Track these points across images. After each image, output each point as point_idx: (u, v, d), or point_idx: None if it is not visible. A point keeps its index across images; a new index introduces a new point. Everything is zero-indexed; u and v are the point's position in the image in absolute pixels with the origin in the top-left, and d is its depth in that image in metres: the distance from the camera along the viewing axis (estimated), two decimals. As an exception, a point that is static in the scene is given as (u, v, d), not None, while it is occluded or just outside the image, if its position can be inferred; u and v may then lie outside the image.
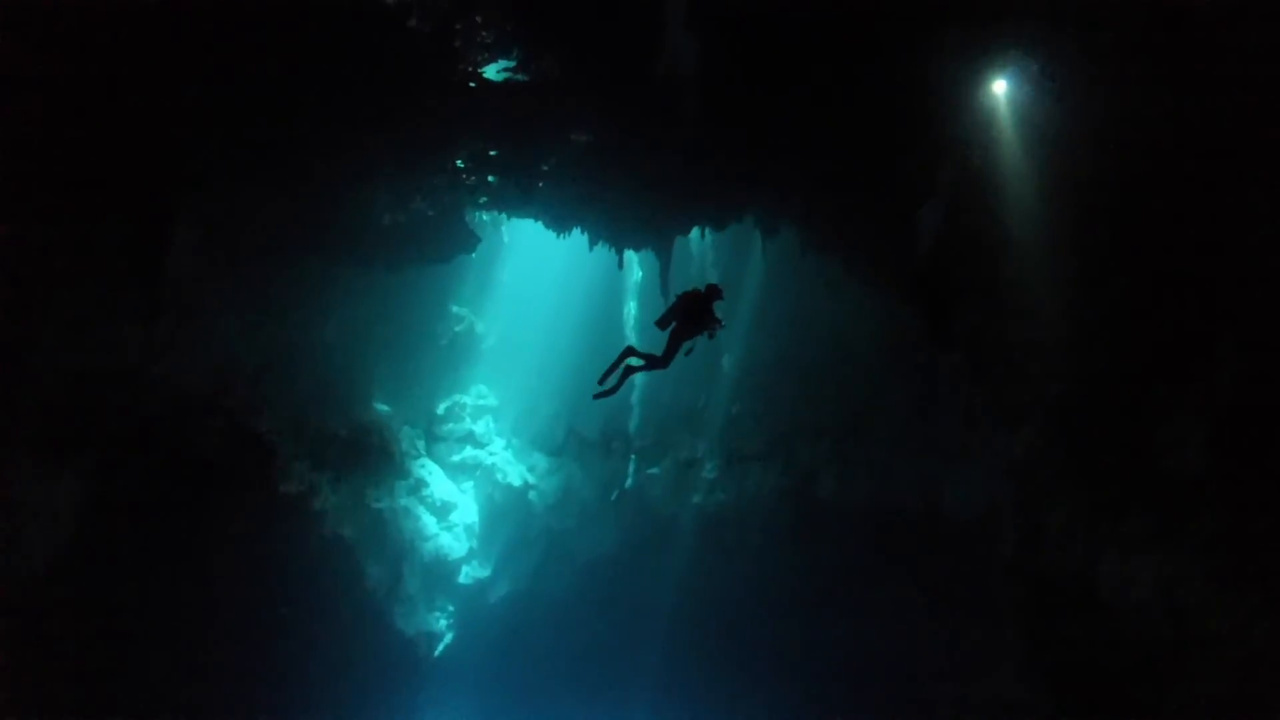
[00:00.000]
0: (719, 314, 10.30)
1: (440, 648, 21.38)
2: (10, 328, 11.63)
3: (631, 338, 25.91)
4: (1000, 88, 12.27)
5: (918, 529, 18.46)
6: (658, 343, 11.25)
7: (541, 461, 24.07)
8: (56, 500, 12.82)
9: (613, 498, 23.72)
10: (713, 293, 10.29)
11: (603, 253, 19.24)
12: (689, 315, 10.23)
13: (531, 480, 23.70)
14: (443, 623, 21.68)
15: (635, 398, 24.06)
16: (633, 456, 23.91)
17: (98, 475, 13.51)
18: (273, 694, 16.51)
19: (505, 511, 23.31)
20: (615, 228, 18.00)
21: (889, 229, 13.67)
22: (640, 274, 25.18)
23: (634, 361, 10.85)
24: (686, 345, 10.47)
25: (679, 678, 21.26)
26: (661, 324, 10.47)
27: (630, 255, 20.45)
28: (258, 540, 16.74)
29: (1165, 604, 11.65)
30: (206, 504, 15.72)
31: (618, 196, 16.20)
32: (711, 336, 10.38)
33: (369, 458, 20.28)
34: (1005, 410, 14.47)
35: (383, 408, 21.83)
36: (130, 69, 11.01)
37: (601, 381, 10.76)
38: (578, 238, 18.86)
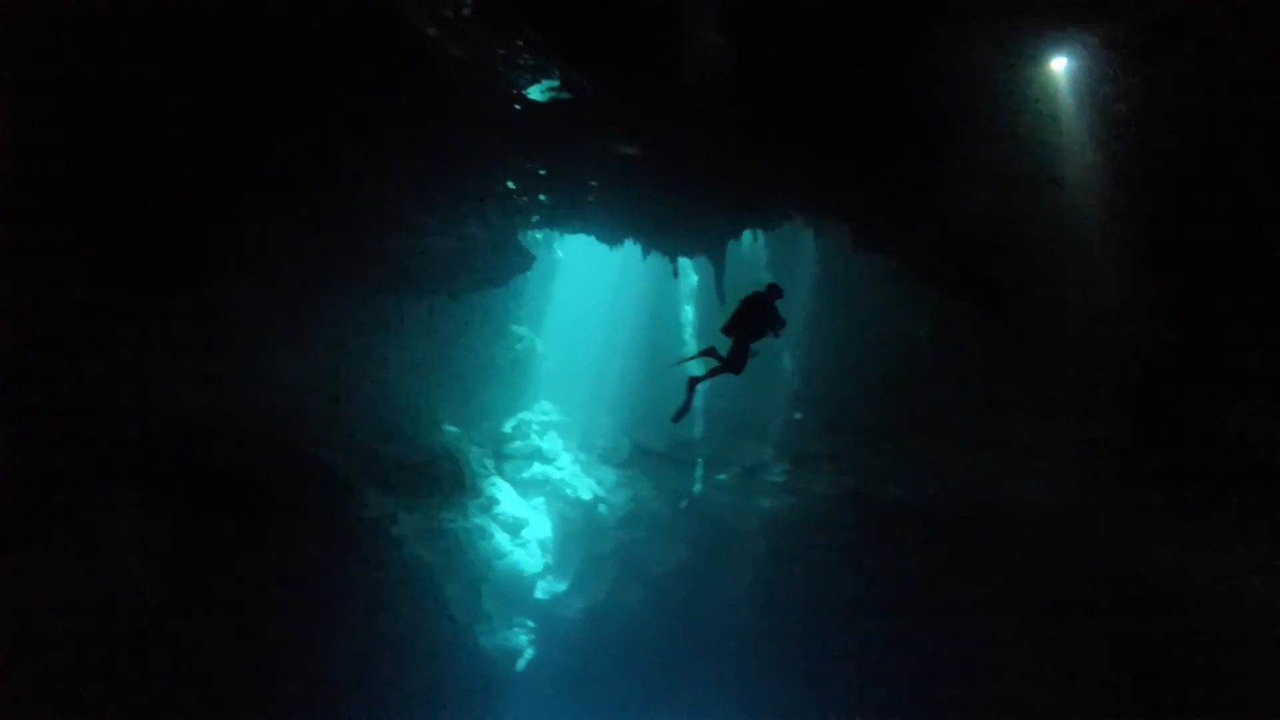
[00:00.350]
0: (780, 313, 10.47)
1: (521, 663, 21.62)
2: (95, 376, 12.23)
3: (690, 342, 25.93)
4: (1059, 65, 11.80)
5: (986, 527, 17.92)
6: (717, 346, 11.43)
7: (609, 475, 24.24)
8: (150, 538, 13.44)
9: (682, 506, 23.72)
10: (774, 292, 10.51)
11: (655, 262, 19.35)
12: (753, 317, 10.35)
13: (601, 493, 23.86)
14: (523, 638, 21.94)
15: (698, 406, 24.06)
16: (699, 465, 23.89)
17: (187, 513, 14.12)
18: (365, 717, 16.91)
19: (577, 526, 23.53)
20: (667, 236, 18.09)
21: (939, 220, 13.36)
22: (695, 279, 25.24)
23: (697, 372, 11.09)
24: (754, 347, 10.65)
25: (755, 687, 21.07)
26: (728, 329, 10.63)
27: (684, 261, 20.53)
28: (341, 568, 17.19)
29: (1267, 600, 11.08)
30: (288, 535, 16.21)
31: (667, 205, 16.27)
32: (777, 335, 10.59)
33: (441, 480, 20.69)
34: (1072, 401, 13.97)
35: (451, 430, 22.27)
36: (185, 118, 11.50)
37: (676, 420, 11.46)
38: (630, 248, 19.03)
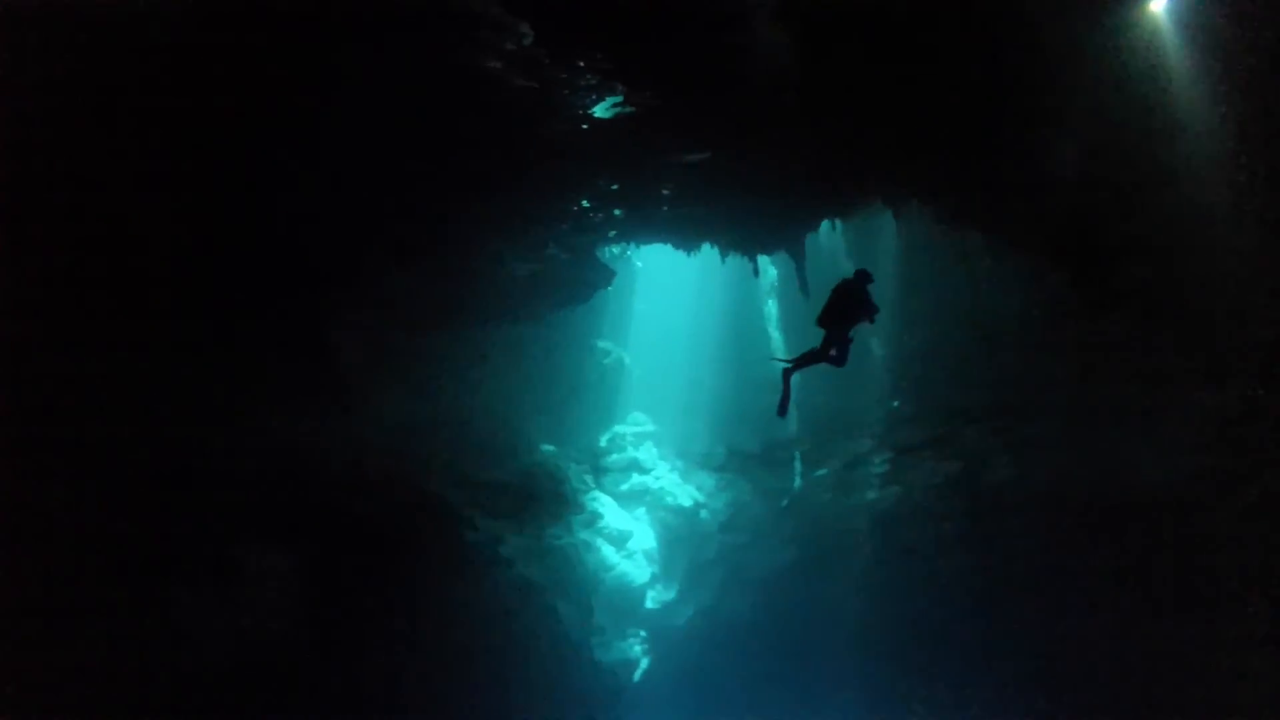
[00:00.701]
0: (872, 298, 10.39)
1: (638, 673, 21.76)
2: (222, 422, 13.06)
3: (775, 336, 25.70)
4: (1159, 4, 10.65)
5: (1107, 507, 17.00)
6: (805, 338, 11.37)
7: (708, 480, 24.22)
8: (282, 576, 14.25)
9: (783, 505, 23.48)
10: (863, 277, 10.43)
11: (734, 262, 19.29)
12: (846, 305, 10.27)
13: (701, 499, 23.86)
14: (637, 649, 22.09)
15: (791, 403, 23.78)
16: (797, 463, 23.62)
17: (311, 552, 14.91)
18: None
19: (680, 533, 23.59)
20: (744, 236, 18.02)
21: (1032, 188, 12.78)
22: (775, 271, 25.03)
23: (786, 364, 11.07)
24: (850, 334, 10.59)
25: (872, 683, 20.62)
26: (823, 321, 10.55)
27: (762, 257, 20.38)
28: (453, 592, 17.69)
29: None
30: (405, 565, 16.81)
31: (742, 205, 16.22)
32: (871, 321, 10.48)
33: (543, 499, 21.09)
34: (1202, 366, 13.11)
35: (548, 449, 22.67)
36: (290, 177, 12.15)
37: (781, 414, 11.66)
38: (708, 252, 19.04)
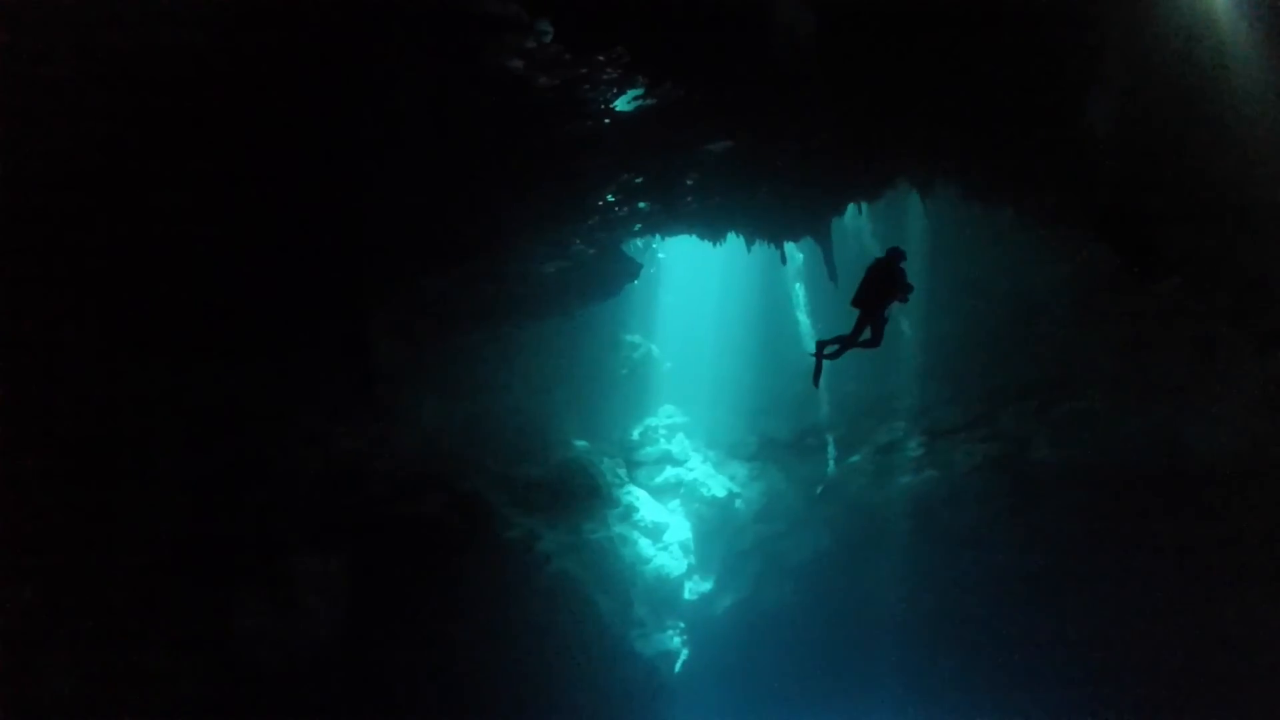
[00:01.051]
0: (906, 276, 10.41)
1: (679, 664, 21.82)
2: (273, 430, 13.38)
3: (804, 321, 25.57)
4: None
5: (1156, 481, 16.63)
6: (833, 322, 11.37)
7: (741, 470, 24.18)
8: (331, 580, 14.57)
9: (817, 492, 23.39)
10: (895, 255, 10.43)
11: (759, 251, 19.21)
12: (880, 285, 10.24)
13: (735, 489, 23.82)
14: (676, 640, 22.13)
15: (821, 391, 23.66)
16: (830, 449, 23.50)
17: (356, 556, 15.23)
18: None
19: (715, 524, 23.58)
20: (770, 223, 17.92)
21: (1069, 160, 12.48)
22: (801, 256, 24.90)
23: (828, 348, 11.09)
24: (886, 314, 10.60)
25: (915, 669, 20.43)
26: (858, 301, 10.55)
27: (789, 243, 20.24)
28: (492, 588, 17.86)
29: None
30: (444, 564, 17.01)
31: (767, 193, 16.14)
32: (904, 300, 10.48)
33: (578, 493, 21.18)
34: (1255, 334, 12.77)
35: (581, 444, 22.75)
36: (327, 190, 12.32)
37: (816, 383, 11.68)
38: (732, 240, 18.97)
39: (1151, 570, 16.38)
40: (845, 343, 10.88)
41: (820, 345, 11.21)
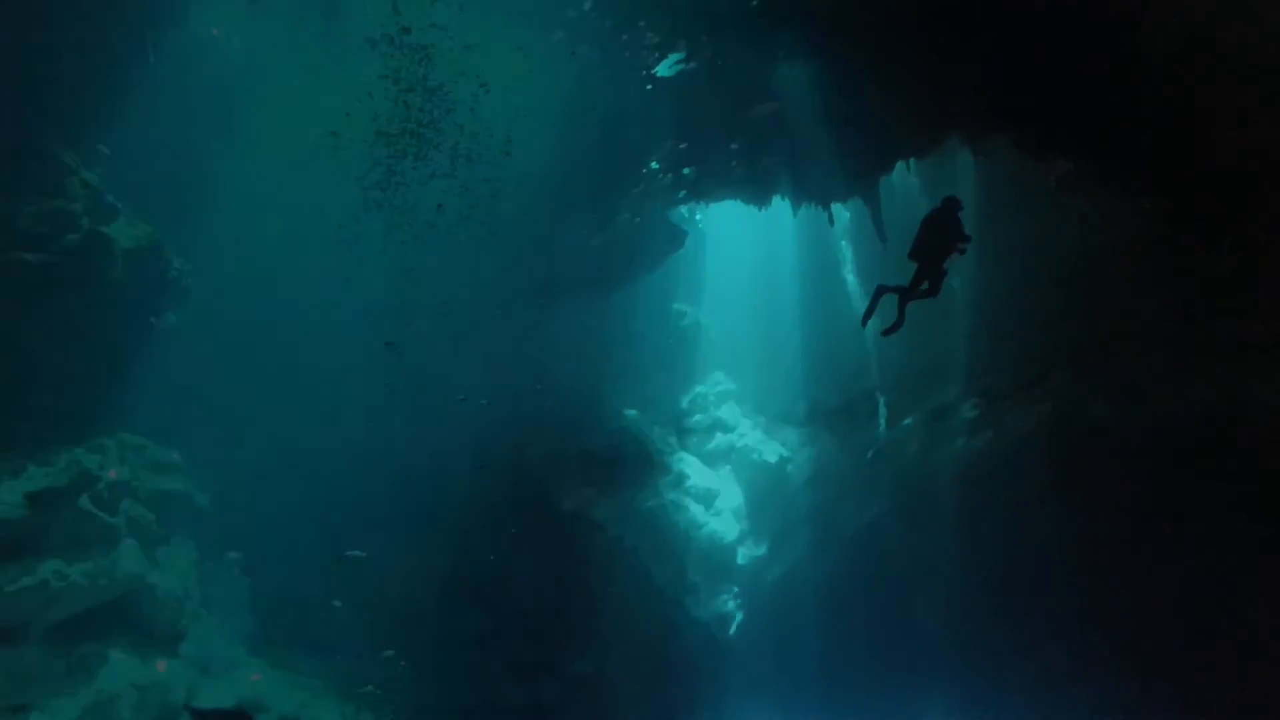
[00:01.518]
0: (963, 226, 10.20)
1: (733, 627, 22.04)
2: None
3: (850, 280, 25.19)
4: None
5: (1220, 445, 15.95)
6: (886, 279, 11.23)
7: (792, 435, 24.12)
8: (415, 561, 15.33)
9: (868, 457, 23.21)
10: (951, 204, 10.20)
11: (805, 213, 18.95)
12: (936, 235, 10.11)
13: (786, 454, 23.80)
14: (730, 604, 22.33)
15: (871, 354, 23.40)
16: (882, 413, 23.25)
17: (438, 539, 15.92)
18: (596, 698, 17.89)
19: (766, 490, 23.62)
20: (816, 186, 17.66)
21: (1125, 112, 12.05)
22: (847, 214, 24.47)
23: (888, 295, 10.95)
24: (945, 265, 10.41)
25: (967, 638, 20.17)
26: (914, 254, 10.38)
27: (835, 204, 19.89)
28: (550, 559, 18.26)
29: None
30: (504, 534, 17.45)
31: (812, 154, 15.91)
32: (962, 252, 10.25)
33: (629, 463, 21.39)
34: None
35: (631, 413, 22.92)
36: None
37: (864, 322, 11.43)
38: (777, 205, 18.76)
39: (1219, 539, 15.92)
40: (904, 294, 10.72)
41: (879, 289, 11.02)
